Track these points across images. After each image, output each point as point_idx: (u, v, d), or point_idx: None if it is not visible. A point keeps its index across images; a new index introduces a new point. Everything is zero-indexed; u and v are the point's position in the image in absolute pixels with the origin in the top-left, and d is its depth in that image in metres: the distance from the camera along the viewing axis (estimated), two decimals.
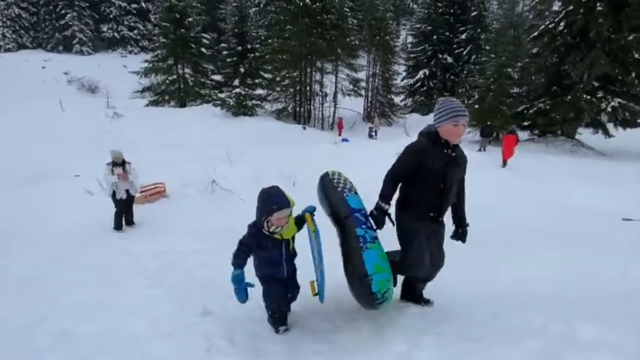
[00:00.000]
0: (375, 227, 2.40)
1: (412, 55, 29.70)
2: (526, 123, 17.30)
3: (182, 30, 21.29)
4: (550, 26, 15.98)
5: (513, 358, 1.82)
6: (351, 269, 2.21)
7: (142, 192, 7.05)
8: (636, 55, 14.26)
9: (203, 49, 22.85)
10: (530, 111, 16.99)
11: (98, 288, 3.28)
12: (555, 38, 15.83)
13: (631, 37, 13.66)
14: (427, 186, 2.28)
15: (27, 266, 4.04)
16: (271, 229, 2.28)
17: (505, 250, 4.37)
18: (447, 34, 27.92)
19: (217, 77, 25.67)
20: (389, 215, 2.41)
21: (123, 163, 5.74)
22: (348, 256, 2.28)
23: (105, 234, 5.61)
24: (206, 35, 23.64)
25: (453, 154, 2.30)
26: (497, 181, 8.59)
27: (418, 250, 2.34)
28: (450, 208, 2.48)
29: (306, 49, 20.18)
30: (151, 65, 22.56)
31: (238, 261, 2.34)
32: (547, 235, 5.08)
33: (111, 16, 45.76)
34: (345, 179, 2.72)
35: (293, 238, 2.45)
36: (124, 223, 5.90)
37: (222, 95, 18.59)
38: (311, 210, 2.48)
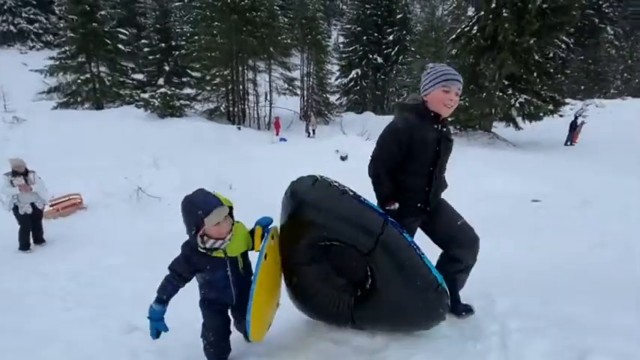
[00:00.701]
0: None
1: (344, 55, 30.60)
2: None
3: (94, 24, 19.23)
4: (466, 29, 17.67)
5: (442, 329, 1.96)
6: (422, 281, 1.75)
7: (52, 205, 6.25)
8: (536, 57, 16.46)
9: (120, 46, 20.88)
10: None
11: (6, 315, 2.83)
12: (471, 41, 17.54)
13: (532, 41, 15.70)
14: (414, 171, 1.91)
15: None
16: (208, 245, 1.76)
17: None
18: (376, 34, 29.24)
19: (139, 76, 23.66)
20: None
21: (26, 173, 5.01)
22: (410, 270, 1.75)
23: (9, 255, 4.86)
24: (123, 30, 21.60)
25: (444, 129, 1.95)
26: None
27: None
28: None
29: (236, 47, 19.61)
30: (57, 63, 20.01)
31: (162, 293, 1.84)
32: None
33: (5, 6, 39.64)
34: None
35: (244, 254, 1.94)
36: (31, 241, 5.15)
37: (145, 95, 17.14)
38: (265, 223, 1.93)
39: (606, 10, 35.30)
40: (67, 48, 20.09)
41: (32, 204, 5.09)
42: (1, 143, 11.95)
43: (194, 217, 1.70)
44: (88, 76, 20.18)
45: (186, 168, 8.91)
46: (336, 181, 1.95)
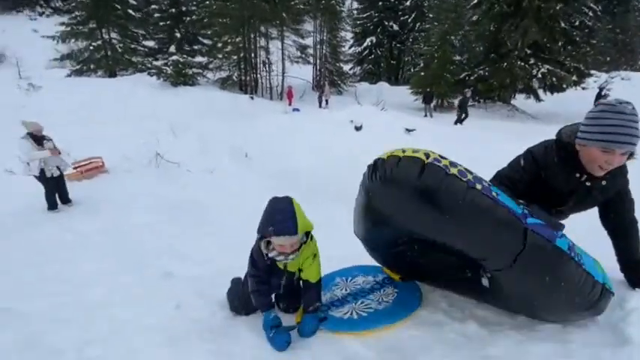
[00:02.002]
0: None
1: (358, 22, 29.48)
2: (467, 89, 18.45)
3: None
4: None
5: None
6: (580, 300, 1.44)
7: (76, 168, 6.47)
8: (562, 24, 15.61)
9: (130, 11, 20.51)
10: (471, 78, 18.08)
11: (44, 265, 3.07)
12: (493, 6, 16.69)
13: (558, 7, 14.86)
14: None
15: None
16: (271, 255, 1.77)
17: None
18: (392, 0, 28.00)
19: (150, 43, 23.37)
20: None
21: (43, 137, 5.15)
22: (571, 291, 1.42)
23: (40, 215, 5.10)
24: None
25: (587, 184, 1.56)
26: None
27: None
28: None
29: (247, 13, 19.05)
30: (68, 29, 19.82)
31: (260, 298, 1.84)
32: None
33: None
34: (455, 163, 1.45)
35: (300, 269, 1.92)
36: (58, 201, 5.38)
37: (157, 63, 17.03)
38: (308, 333, 1.83)
39: None
40: (77, 13, 19.82)
41: (57, 167, 5.27)
42: (17, 110, 12.15)
43: (265, 228, 1.69)
44: (99, 42, 20.02)
45: (203, 136, 9.02)
46: (448, 162, 1.40)
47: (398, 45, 28.72)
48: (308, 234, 1.82)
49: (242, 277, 2.09)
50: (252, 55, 21.04)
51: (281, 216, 1.66)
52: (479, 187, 1.35)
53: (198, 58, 20.73)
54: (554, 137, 1.62)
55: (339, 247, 2.53)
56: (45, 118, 7.58)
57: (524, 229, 1.34)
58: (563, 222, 1.49)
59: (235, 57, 20.44)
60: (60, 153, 5.22)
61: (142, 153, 7.44)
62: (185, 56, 17.52)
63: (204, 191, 6.04)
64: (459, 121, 13.23)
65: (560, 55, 16.55)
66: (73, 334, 2.02)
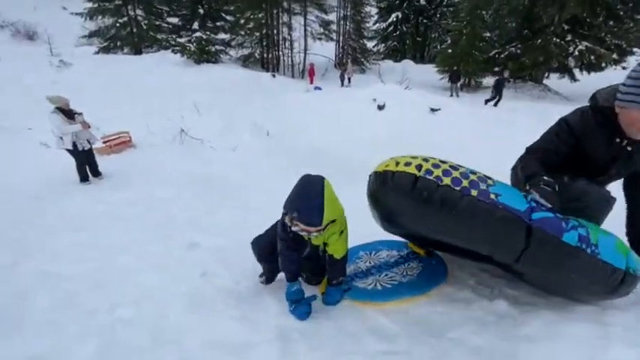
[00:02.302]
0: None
1: None
2: (497, 68, 17.54)
3: None
4: None
5: None
6: (599, 287, 1.43)
7: (105, 142, 6.67)
8: None
9: None
10: (501, 56, 17.14)
11: (77, 233, 3.21)
12: None
13: None
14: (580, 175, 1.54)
15: None
16: (294, 229, 1.75)
17: None
18: None
19: (174, 20, 23.40)
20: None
21: (71, 111, 5.29)
22: (586, 281, 1.41)
23: (73, 187, 5.32)
24: None
25: (629, 148, 1.49)
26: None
27: None
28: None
29: None
30: (96, 5, 20.07)
31: (286, 263, 1.84)
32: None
33: None
34: (456, 166, 1.50)
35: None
36: (89, 174, 5.59)
37: (181, 40, 17.08)
38: (332, 302, 1.87)
39: None
40: None
41: (88, 140, 5.45)
42: (50, 86, 12.58)
43: (291, 209, 1.67)
44: (125, 19, 20.21)
45: (225, 113, 9.08)
46: (441, 171, 1.41)
47: (424, 21, 27.50)
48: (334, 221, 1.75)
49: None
50: (275, 31, 20.72)
51: (308, 205, 1.62)
52: (474, 193, 1.36)
53: (221, 35, 20.63)
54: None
55: (361, 224, 2.50)
56: (76, 94, 7.85)
57: (527, 226, 1.33)
58: None
59: (257, 34, 20.22)
60: (90, 127, 5.37)
61: (167, 129, 7.59)
62: (208, 33, 17.47)
63: (227, 167, 6.11)
64: (492, 101, 12.52)
65: (601, 31, 15.33)
66: (104, 297, 2.12)
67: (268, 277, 2.13)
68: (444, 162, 1.48)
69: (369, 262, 2.20)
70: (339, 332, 1.60)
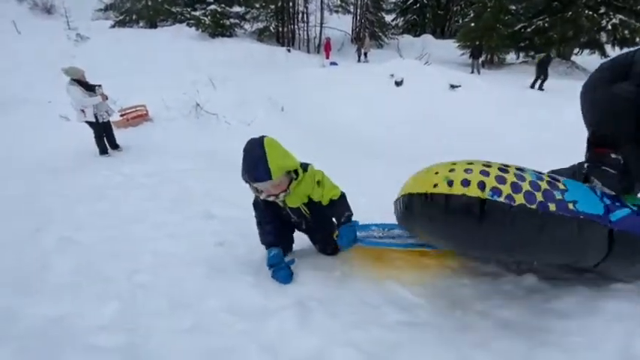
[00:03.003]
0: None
1: None
2: (522, 44, 16.64)
3: None
4: None
5: None
6: None
7: (122, 115, 6.71)
8: None
9: None
10: (527, 30, 16.22)
11: (96, 202, 3.24)
12: None
13: None
14: None
15: (18, 187, 3.90)
16: (262, 196, 1.76)
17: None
18: None
19: None
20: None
21: (87, 83, 5.28)
22: None
23: (92, 159, 5.41)
24: None
25: None
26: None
27: None
28: None
29: None
30: None
31: (266, 237, 1.87)
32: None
33: None
34: (520, 174, 1.26)
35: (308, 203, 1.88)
36: (108, 146, 5.65)
37: (196, 13, 16.80)
38: (345, 244, 1.81)
39: None
40: None
41: (107, 112, 5.48)
42: (68, 60, 12.65)
43: (243, 176, 1.68)
44: None
45: (240, 88, 8.98)
46: (510, 186, 1.18)
47: None
48: (297, 172, 1.73)
49: None
50: (290, 4, 20.13)
51: (250, 163, 1.60)
52: (552, 207, 1.16)
53: (236, 9, 20.18)
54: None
55: (375, 203, 2.44)
56: (93, 68, 7.89)
57: (608, 231, 1.22)
58: None
59: (273, 6, 19.67)
60: (107, 99, 5.39)
61: (182, 103, 7.56)
62: (223, 6, 17.10)
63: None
64: (537, 83, 11.16)
65: (637, 2, 14.24)
66: (122, 263, 2.14)
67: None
68: (505, 169, 1.23)
69: (382, 235, 2.11)
70: (358, 302, 1.57)
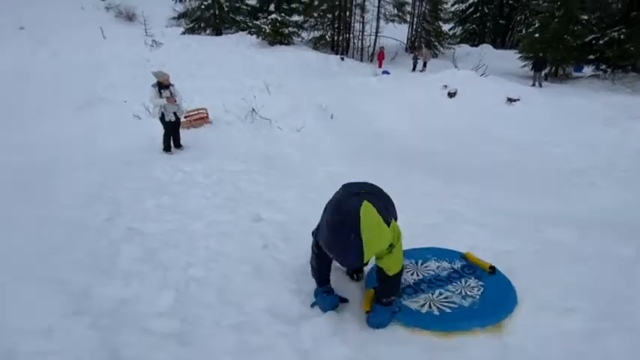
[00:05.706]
0: None
1: None
2: (592, 56, 15.26)
3: None
4: None
5: None
6: None
7: (186, 117, 7.29)
8: None
9: None
10: (600, 41, 14.87)
11: (159, 196, 3.61)
12: None
13: None
14: None
15: (95, 176, 4.45)
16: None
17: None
18: None
19: (252, 2, 24.32)
20: None
21: (168, 86, 5.84)
22: None
23: (157, 155, 5.97)
24: None
25: None
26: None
27: None
28: None
29: None
30: None
31: (314, 273, 1.80)
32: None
33: None
34: None
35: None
36: (172, 145, 6.19)
37: (257, 22, 17.75)
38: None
39: None
40: None
41: (174, 113, 6.01)
42: (144, 63, 14.01)
43: (325, 246, 1.51)
44: (209, 1, 21.55)
45: (292, 95, 9.31)
46: None
47: (510, 1, 24.80)
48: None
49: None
50: (347, 13, 20.41)
51: (340, 246, 1.37)
52: None
53: (295, 17, 20.93)
54: None
55: (413, 222, 2.44)
56: (165, 71, 8.71)
57: None
58: None
59: (330, 15, 20.11)
60: (175, 101, 5.92)
61: (240, 108, 8.05)
62: (283, 15, 17.86)
63: (292, 148, 6.34)
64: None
65: None
66: (179, 255, 2.39)
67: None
68: None
69: (417, 275, 1.96)
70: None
